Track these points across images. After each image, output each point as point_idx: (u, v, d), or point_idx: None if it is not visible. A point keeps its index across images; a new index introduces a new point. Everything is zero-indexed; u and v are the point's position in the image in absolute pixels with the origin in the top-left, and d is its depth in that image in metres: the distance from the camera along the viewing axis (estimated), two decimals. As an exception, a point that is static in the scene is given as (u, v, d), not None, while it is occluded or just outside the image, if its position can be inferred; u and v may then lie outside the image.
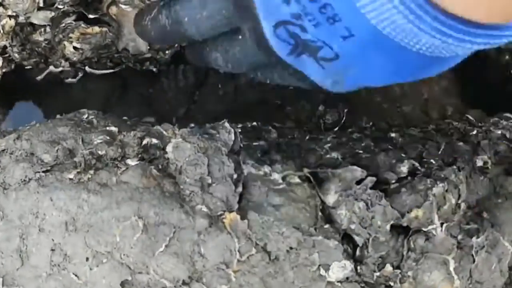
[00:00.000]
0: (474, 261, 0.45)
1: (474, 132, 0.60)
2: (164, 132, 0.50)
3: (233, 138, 0.48)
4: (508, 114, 0.66)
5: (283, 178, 0.47)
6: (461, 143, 0.56)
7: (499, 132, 0.60)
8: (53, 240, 0.44)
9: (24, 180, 0.47)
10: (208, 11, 0.45)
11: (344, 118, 0.65)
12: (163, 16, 0.50)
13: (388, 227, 0.44)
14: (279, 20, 0.39)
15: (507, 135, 0.59)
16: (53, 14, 0.59)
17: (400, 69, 0.38)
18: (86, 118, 0.54)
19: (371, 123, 0.63)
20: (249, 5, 0.39)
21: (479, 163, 0.54)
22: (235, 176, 0.46)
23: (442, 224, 0.44)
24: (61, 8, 0.58)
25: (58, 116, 0.56)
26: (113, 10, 0.61)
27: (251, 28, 0.41)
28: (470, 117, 0.65)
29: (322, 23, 0.37)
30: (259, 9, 0.39)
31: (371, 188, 0.45)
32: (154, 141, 0.50)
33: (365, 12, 0.34)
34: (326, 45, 0.38)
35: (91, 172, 0.47)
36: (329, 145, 0.55)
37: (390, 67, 0.38)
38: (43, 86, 0.70)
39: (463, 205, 0.48)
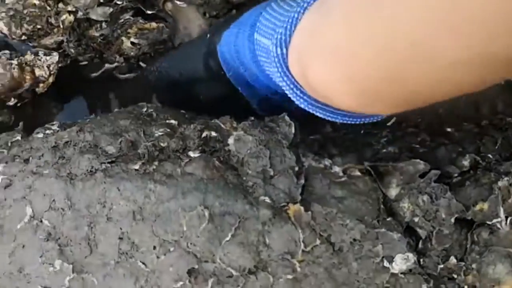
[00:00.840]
0: (538, 255, 0.45)
1: (530, 128, 0.59)
2: (222, 125, 0.51)
3: (293, 131, 0.49)
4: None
5: (344, 171, 0.48)
6: (517, 138, 0.56)
7: (555, 127, 0.59)
8: (121, 229, 0.45)
9: (91, 171, 0.48)
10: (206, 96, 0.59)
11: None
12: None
13: (452, 220, 0.44)
14: (259, 98, 0.54)
15: (562, 130, 0.58)
16: (111, 9, 0.60)
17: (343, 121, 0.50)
18: (145, 111, 0.55)
19: (425, 120, 0.63)
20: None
21: (537, 158, 0.53)
22: (296, 168, 0.47)
23: (506, 217, 0.44)
24: (119, 4, 0.60)
25: (117, 109, 0.57)
26: (169, 6, 0.62)
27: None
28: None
29: (286, 102, 0.50)
30: (243, 93, 0.54)
31: (434, 182, 0.45)
32: (213, 134, 0.50)
33: (303, 107, 0.47)
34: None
35: (156, 163, 0.48)
36: (385, 139, 0.55)
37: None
38: (97, 82, 0.72)
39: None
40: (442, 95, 0.38)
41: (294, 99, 0.47)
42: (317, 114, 0.48)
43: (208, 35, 0.56)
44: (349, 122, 0.50)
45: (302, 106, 0.47)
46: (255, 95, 0.55)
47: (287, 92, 0.48)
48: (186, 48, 0.60)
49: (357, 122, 0.51)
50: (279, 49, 0.45)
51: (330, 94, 0.41)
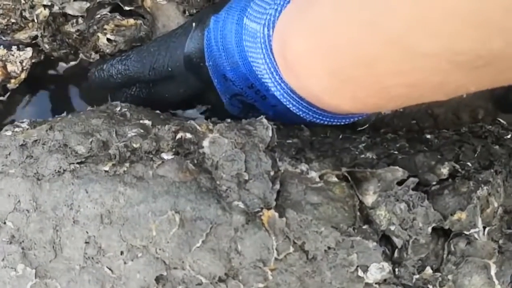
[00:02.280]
0: (515, 266, 0.44)
1: (509, 136, 0.59)
2: (198, 127, 0.50)
3: (270, 135, 0.48)
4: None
5: (321, 177, 0.46)
6: (496, 147, 0.55)
7: (534, 136, 0.59)
8: (87, 232, 0.44)
9: (58, 172, 0.46)
10: (181, 90, 0.58)
11: (373, 119, 0.64)
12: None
13: (429, 229, 0.43)
14: (232, 94, 0.54)
15: (542, 140, 0.58)
16: (88, 4, 0.59)
17: (303, 120, 0.52)
18: (119, 110, 0.54)
19: (404, 126, 0.62)
20: (211, 84, 0.54)
21: (517, 167, 0.53)
22: (272, 173, 0.46)
23: (484, 227, 0.43)
24: (96, -1, 0.58)
25: (89, 108, 0.55)
26: (148, 2, 0.61)
27: (212, 97, 0.56)
28: (502, 121, 0.64)
29: (258, 100, 0.52)
30: (217, 87, 0.54)
31: (412, 189, 0.44)
32: (188, 135, 0.49)
33: (274, 92, 0.49)
34: (265, 111, 0.53)
35: (127, 164, 0.46)
36: (363, 145, 0.54)
37: (299, 119, 0.51)
38: (71, 78, 0.70)
39: (500, 210, 0.47)
40: (408, 92, 0.38)
41: (271, 86, 0.48)
42: (290, 106, 0.49)
43: (194, 23, 0.55)
44: (320, 121, 0.51)
45: (277, 94, 0.48)
46: (229, 90, 0.54)
47: (266, 78, 0.48)
48: (164, 39, 0.58)
49: (329, 122, 0.51)
50: (266, 29, 0.47)
51: (302, 69, 0.43)
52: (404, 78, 0.37)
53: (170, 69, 0.56)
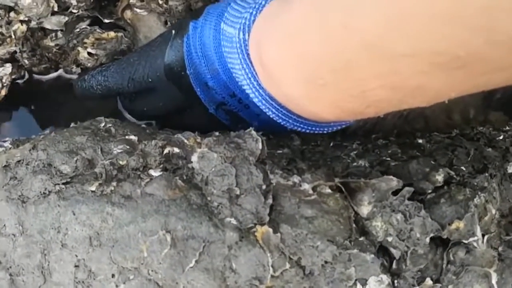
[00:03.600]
0: (515, 273, 0.43)
1: (501, 137, 0.58)
2: (186, 141, 0.48)
3: (260, 147, 0.46)
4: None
5: (314, 189, 0.45)
6: (489, 149, 0.55)
7: (526, 137, 0.58)
8: (76, 256, 0.42)
9: (44, 193, 0.45)
10: (163, 102, 0.56)
11: (366, 124, 0.63)
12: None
13: (427, 239, 0.42)
14: (217, 103, 0.52)
15: (535, 140, 0.57)
16: (67, 18, 0.57)
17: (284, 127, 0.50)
18: (103, 126, 0.52)
19: (395, 129, 0.61)
20: (195, 95, 0.52)
21: (510, 169, 0.52)
22: (264, 186, 0.44)
23: (483, 235, 0.42)
24: (75, 13, 0.57)
25: (73, 124, 0.54)
26: (128, 14, 0.59)
27: (196, 108, 0.54)
28: (493, 122, 0.63)
29: (242, 109, 0.51)
30: (201, 97, 0.52)
31: (408, 199, 0.43)
32: (176, 150, 0.48)
33: (253, 99, 0.47)
34: (250, 120, 0.52)
35: (114, 183, 0.45)
36: (355, 152, 0.53)
37: (282, 128, 0.50)
38: (53, 92, 0.68)
39: (497, 214, 0.47)
40: (388, 97, 0.37)
41: (250, 93, 0.47)
42: (270, 114, 0.48)
43: (174, 31, 0.53)
44: (300, 129, 0.50)
45: (256, 101, 0.47)
46: (213, 99, 0.52)
47: (244, 84, 0.47)
48: (143, 50, 0.56)
49: (309, 130, 0.50)
50: (241, 34, 0.45)
51: (279, 75, 0.42)
52: (382, 80, 0.36)
53: (150, 80, 0.54)
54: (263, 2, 0.45)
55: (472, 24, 0.29)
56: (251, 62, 0.46)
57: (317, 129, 0.50)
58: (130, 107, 0.60)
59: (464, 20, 0.29)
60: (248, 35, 0.45)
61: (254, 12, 0.45)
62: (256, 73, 0.46)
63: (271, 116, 0.48)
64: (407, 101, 0.38)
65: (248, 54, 0.46)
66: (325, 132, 0.51)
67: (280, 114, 0.48)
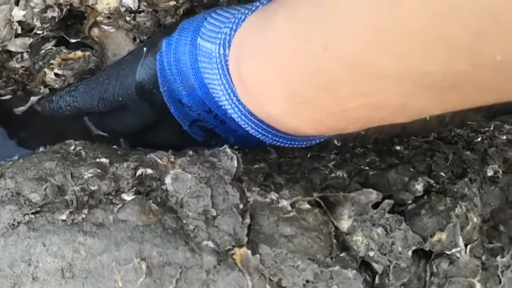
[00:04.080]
0: (500, 282, 0.42)
1: (479, 139, 0.57)
2: (159, 161, 0.47)
3: (235, 165, 0.45)
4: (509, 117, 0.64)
5: (292, 205, 0.44)
6: (468, 152, 0.54)
7: (504, 137, 0.58)
8: (48, 289, 0.41)
9: (13, 224, 0.43)
10: (134, 120, 0.55)
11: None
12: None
13: (409, 253, 0.41)
14: (191, 120, 0.51)
15: (513, 140, 0.57)
16: (31, 40, 0.55)
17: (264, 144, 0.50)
18: (73, 149, 0.51)
19: (372, 137, 0.61)
20: (167, 112, 0.51)
21: (490, 172, 0.52)
22: (241, 206, 0.43)
23: (466, 245, 0.42)
24: (40, 34, 0.55)
25: (42, 148, 0.52)
26: (95, 32, 0.58)
27: (169, 125, 0.53)
28: (471, 123, 0.63)
29: (218, 125, 0.50)
30: (174, 114, 0.51)
31: (388, 212, 0.42)
32: (149, 171, 0.46)
33: (232, 114, 0.46)
34: (225, 136, 0.52)
35: (85, 211, 0.43)
36: (332, 163, 0.52)
37: (261, 143, 0.49)
38: (21, 115, 0.67)
39: (478, 220, 0.46)
40: (369, 115, 0.37)
41: (228, 109, 0.46)
42: (249, 129, 0.47)
43: (145, 48, 0.52)
44: (280, 144, 0.49)
45: (235, 117, 0.46)
46: (187, 116, 0.51)
47: (223, 100, 0.46)
48: (113, 68, 0.55)
49: (289, 145, 0.49)
50: (221, 49, 0.44)
51: (259, 92, 0.42)
52: (364, 99, 0.35)
53: (120, 99, 0.53)
54: (243, 17, 0.45)
55: (462, 48, 0.29)
56: (230, 78, 0.45)
57: (296, 143, 0.49)
58: (99, 125, 0.59)
59: (454, 44, 0.29)
60: (228, 50, 0.45)
61: (234, 27, 0.45)
62: (235, 89, 0.45)
63: (250, 132, 0.47)
64: (389, 119, 0.38)
65: (227, 70, 0.45)
66: (303, 145, 0.51)
67: (259, 129, 0.47)
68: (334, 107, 0.38)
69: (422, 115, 0.37)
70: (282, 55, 0.38)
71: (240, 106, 0.45)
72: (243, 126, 0.47)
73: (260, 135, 0.47)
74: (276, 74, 0.39)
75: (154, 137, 0.56)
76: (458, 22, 0.28)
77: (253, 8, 0.45)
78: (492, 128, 0.59)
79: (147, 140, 0.56)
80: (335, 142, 0.60)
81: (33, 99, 0.63)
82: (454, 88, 0.31)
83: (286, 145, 0.49)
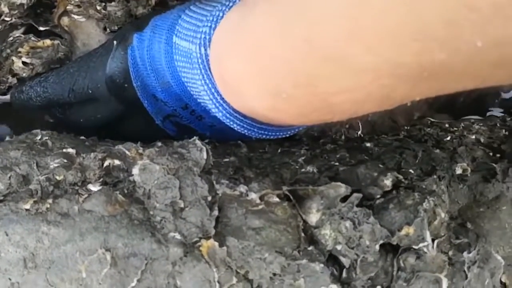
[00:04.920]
0: (466, 277, 0.43)
1: (448, 138, 0.58)
2: (127, 152, 0.46)
3: (205, 157, 0.45)
4: (477, 117, 0.65)
5: (261, 198, 0.44)
6: (437, 150, 0.54)
7: (473, 137, 0.58)
8: (10, 279, 0.40)
9: (-26, 213, 0.42)
10: (101, 114, 0.54)
11: (314, 128, 0.62)
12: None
13: (377, 247, 0.41)
14: (165, 115, 0.51)
15: (482, 140, 0.58)
16: (-1, 27, 0.54)
17: (245, 136, 0.49)
18: (39, 139, 0.50)
19: (343, 134, 0.61)
20: (139, 106, 0.51)
21: (459, 171, 0.52)
22: (209, 198, 0.43)
23: (433, 240, 0.42)
24: (8, 21, 0.54)
25: (7, 138, 0.51)
26: (65, 21, 0.57)
27: (143, 119, 0.52)
28: (440, 122, 0.63)
29: (194, 121, 0.51)
30: (148, 109, 0.51)
31: (357, 205, 0.42)
32: (117, 162, 0.46)
33: (215, 113, 0.46)
34: (201, 131, 0.52)
35: (50, 201, 0.42)
36: (303, 158, 0.52)
37: (239, 136, 0.49)
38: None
39: (446, 217, 0.46)
40: (354, 107, 0.37)
41: (212, 108, 0.46)
42: (234, 126, 0.46)
43: (115, 42, 0.51)
44: (266, 136, 0.49)
45: (219, 115, 0.46)
46: (160, 111, 0.51)
47: (206, 99, 0.45)
48: (83, 60, 0.54)
49: (274, 136, 0.49)
50: (202, 49, 0.44)
51: (243, 91, 0.41)
52: (348, 95, 0.36)
53: (90, 91, 0.52)
54: (221, 14, 0.44)
55: (436, 37, 0.29)
56: (212, 77, 0.44)
57: (282, 133, 0.50)
58: (63, 119, 0.57)
59: (429, 34, 0.29)
60: (209, 49, 0.44)
61: (213, 26, 0.44)
62: (218, 88, 0.44)
63: (235, 129, 0.47)
64: (374, 109, 0.38)
65: (209, 69, 0.44)
66: (289, 134, 0.51)
67: (245, 125, 0.47)
68: (318, 103, 0.38)
69: (404, 102, 0.37)
70: (263, 51, 0.38)
71: (224, 105, 0.45)
72: (227, 123, 0.47)
73: (245, 131, 0.47)
74: (259, 71, 0.39)
75: (123, 130, 0.55)
76: (432, 12, 0.28)
77: (230, 4, 0.44)
78: (461, 127, 0.60)
79: (115, 133, 0.55)
80: (304, 138, 0.60)
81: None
82: (433, 76, 0.31)
83: (272, 136, 0.49)
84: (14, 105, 0.59)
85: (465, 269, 0.43)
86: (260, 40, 0.38)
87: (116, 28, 0.56)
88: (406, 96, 0.35)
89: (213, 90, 0.44)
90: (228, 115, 0.45)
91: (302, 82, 0.36)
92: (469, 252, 0.43)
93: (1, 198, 0.43)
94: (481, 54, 0.29)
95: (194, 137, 0.46)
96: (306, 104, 0.38)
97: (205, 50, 0.44)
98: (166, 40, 0.48)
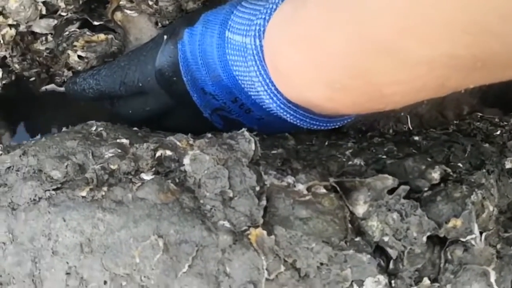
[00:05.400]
0: (515, 271, 0.42)
1: (498, 132, 0.57)
2: (178, 143, 0.48)
3: (253, 148, 0.46)
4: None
5: (308, 189, 0.44)
6: (486, 145, 0.54)
7: (524, 131, 0.58)
8: (67, 263, 0.42)
9: (34, 200, 0.44)
10: (150, 107, 0.56)
11: (361, 122, 0.63)
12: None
13: (424, 238, 0.41)
14: (213, 108, 0.52)
15: (532, 135, 0.57)
16: (56, 22, 0.56)
17: (296, 129, 0.51)
18: (94, 130, 0.52)
19: (390, 127, 0.61)
20: (187, 100, 0.52)
21: (508, 165, 0.51)
22: (257, 188, 0.44)
23: (481, 233, 0.42)
24: (64, 16, 0.56)
25: (64, 128, 0.53)
26: (118, 16, 0.59)
27: (191, 112, 0.54)
28: (490, 116, 0.62)
29: (242, 115, 0.51)
30: (197, 102, 0.52)
31: (404, 198, 0.42)
32: (168, 153, 0.47)
33: (265, 106, 0.48)
34: (249, 125, 0.52)
35: (105, 188, 0.44)
36: (350, 151, 0.53)
37: (287, 128, 0.51)
38: (46, 97, 0.68)
39: (495, 210, 0.46)
40: (409, 97, 0.39)
41: (266, 98, 0.46)
42: (287, 116, 0.47)
43: (165, 36, 0.53)
44: (316, 126, 0.49)
45: (273, 106, 0.47)
46: (209, 104, 0.52)
47: (260, 90, 0.46)
48: (134, 54, 0.56)
49: (325, 127, 0.50)
50: (257, 40, 0.45)
51: (297, 81, 0.42)
52: (402, 87, 0.36)
53: (141, 85, 0.54)
54: (274, 6, 0.45)
55: (492, 31, 0.30)
56: (268, 71, 0.45)
57: (332, 124, 0.50)
58: (112, 111, 0.60)
59: (485, 28, 0.30)
60: (263, 41, 0.45)
61: (267, 18, 0.45)
62: (272, 79, 0.45)
63: (288, 119, 0.48)
64: (428, 97, 0.39)
65: (264, 60, 0.45)
66: (338, 125, 0.51)
67: (298, 115, 0.47)
68: (373, 93, 0.39)
69: (458, 89, 0.37)
70: (317, 42, 0.39)
71: (278, 95, 0.46)
72: (280, 114, 0.47)
73: (298, 121, 0.48)
74: (313, 62, 0.40)
75: (171, 123, 0.57)
76: (487, 7, 0.29)
77: None
78: (511, 122, 0.59)
79: (164, 125, 0.57)
80: (352, 131, 0.61)
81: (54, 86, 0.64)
82: (486, 66, 0.32)
83: (323, 127, 0.50)
84: (69, 95, 0.62)
85: (514, 262, 0.42)
86: (313, 32, 0.39)
87: (167, 22, 0.58)
88: (460, 84, 0.36)
89: (267, 81, 0.45)
90: (282, 105, 0.46)
91: (355, 74, 0.37)
92: (518, 246, 0.43)
93: (59, 185, 0.45)
94: None
95: (243, 129, 0.47)
96: (361, 94, 0.39)
97: (260, 41, 0.45)
98: (219, 34, 0.49)
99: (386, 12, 0.32)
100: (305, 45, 0.40)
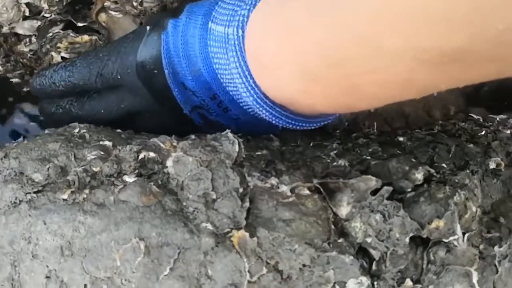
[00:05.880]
0: (497, 271, 0.42)
1: (483, 133, 0.57)
2: (162, 145, 0.47)
3: (237, 149, 0.45)
4: (513, 112, 0.64)
5: (292, 190, 0.44)
6: (471, 145, 0.54)
7: (508, 132, 0.58)
8: (47, 266, 0.41)
9: (14, 203, 0.44)
10: (125, 104, 0.54)
11: (346, 123, 0.63)
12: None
13: (407, 239, 0.41)
14: (193, 105, 0.51)
15: (517, 135, 0.57)
16: (39, 23, 0.56)
17: (271, 129, 0.51)
18: (77, 132, 0.51)
19: (374, 128, 0.61)
20: (167, 95, 0.51)
21: (492, 165, 0.51)
22: (241, 190, 0.43)
23: (464, 234, 0.41)
24: (48, 17, 0.56)
25: (47, 131, 0.53)
26: (103, 17, 0.58)
27: (170, 109, 0.52)
28: (475, 117, 0.62)
29: (221, 114, 0.51)
30: (177, 97, 0.51)
31: (387, 199, 0.42)
32: (152, 154, 0.47)
33: (243, 103, 0.48)
34: (227, 124, 0.51)
35: (86, 191, 0.44)
36: (335, 152, 0.52)
37: (264, 128, 0.51)
38: (29, 98, 0.67)
39: (478, 211, 0.46)
40: (382, 91, 0.39)
41: (243, 92, 0.46)
42: (262, 112, 0.47)
43: (148, 27, 0.51)
44: (292, 126, 0.49)
45: (249, 100, 0.47)
46: (189, 100, 0.51)
47: (238, 83, 0.46)
48: (114, 45, 0.54)
49: (301, 127, 0.50)
50: (240, 31, 0.45)
51: (276, 71, 0.43)
52: (374, 76, 0.37)
53: (119, 77, 0.52)
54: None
55: (459, 21, 0.30)
56: (247, 64, 0.45)
57: (308, 125, 0.50)
58: (80, 111, 0.56)
59: (452, 17, 0.30)
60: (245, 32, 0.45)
61: (251, 9, 0.45)
62: (251, 71, 0.45)
63: (263, 116, 0.48)
64: (398, 95, 0.40)
65: (244, 51, 0.45)
66: (314, 127, 0.51)
67: (273, 112, 0.47)
68: (345, 83, 0.39)
69: (429, 91, 0.38)
70: (297, 33, 0.40)
71: (256, 89, 0.46)
72: (256, 109, 0.47)
73: (273, 118, 0.48)
74: (292, 52, 0.41)
75: (148, 122, 0.55)
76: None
77: None
78: (496, 122, 0.59)
79: (139, 125, 0.55)
80: (337, 132, 0.61)
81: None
82: (453, 62, 0.32)
83: (298, 127, 0.50)
84: (33, 90, 0.57)
85: (496, 263, 0.42)
86: (294, 22, 0.40)
87: (151, 24, 0.57)
88: (429, 83, 0.36)
89: (246, 73, 0.45)
90: (258, 99, 0.46)
91: (332, 63, 0.38)
92: (500, 246, 0.43)
93: (40, 188, 0.45)
94: (502, 38, 0.29)
95: (227, 130, 0.47)
96: (334, 85, 0.40)
97: (243, 32, 0.45)
98: (202, 25, 0.48)
99: (365, 2, 0.33)
100: (286, 36, 0.40)
